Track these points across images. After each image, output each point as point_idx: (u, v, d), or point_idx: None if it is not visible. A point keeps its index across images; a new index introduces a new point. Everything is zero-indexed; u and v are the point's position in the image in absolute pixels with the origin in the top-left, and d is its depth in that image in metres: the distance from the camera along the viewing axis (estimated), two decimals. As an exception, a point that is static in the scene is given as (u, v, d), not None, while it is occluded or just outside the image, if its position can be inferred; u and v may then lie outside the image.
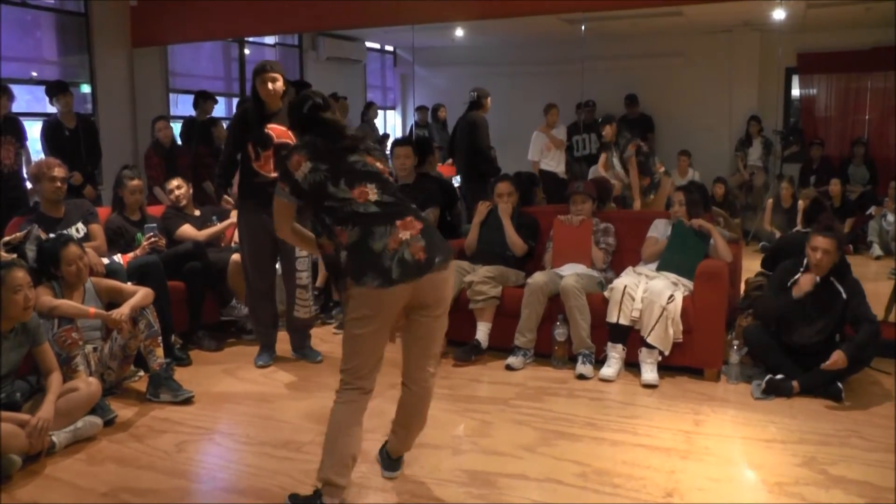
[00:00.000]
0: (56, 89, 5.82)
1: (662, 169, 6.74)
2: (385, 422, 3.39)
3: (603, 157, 8.20)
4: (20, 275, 3.19)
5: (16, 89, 5.84)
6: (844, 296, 3.88)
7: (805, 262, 3.97)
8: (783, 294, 3.97)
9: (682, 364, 4.17)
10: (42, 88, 6.31)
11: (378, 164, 2.74)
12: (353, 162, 2.69)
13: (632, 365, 4.22)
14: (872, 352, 3.88)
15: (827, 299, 3.90)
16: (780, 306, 3.94)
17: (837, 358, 3.68)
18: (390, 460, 3.00)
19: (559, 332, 4.31)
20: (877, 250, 7.15)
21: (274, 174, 4.19)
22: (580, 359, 4.23)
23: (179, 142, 6.91)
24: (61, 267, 3.74)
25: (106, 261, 4.26)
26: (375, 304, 2.55)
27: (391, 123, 10.41)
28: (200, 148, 6.55)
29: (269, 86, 4.13)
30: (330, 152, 2.70)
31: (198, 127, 6.92)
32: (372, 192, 2.62)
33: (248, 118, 4.24)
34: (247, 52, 8.74)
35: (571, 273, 4.40)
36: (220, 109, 7.97)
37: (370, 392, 2.69)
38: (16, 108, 5.87)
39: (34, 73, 6.83)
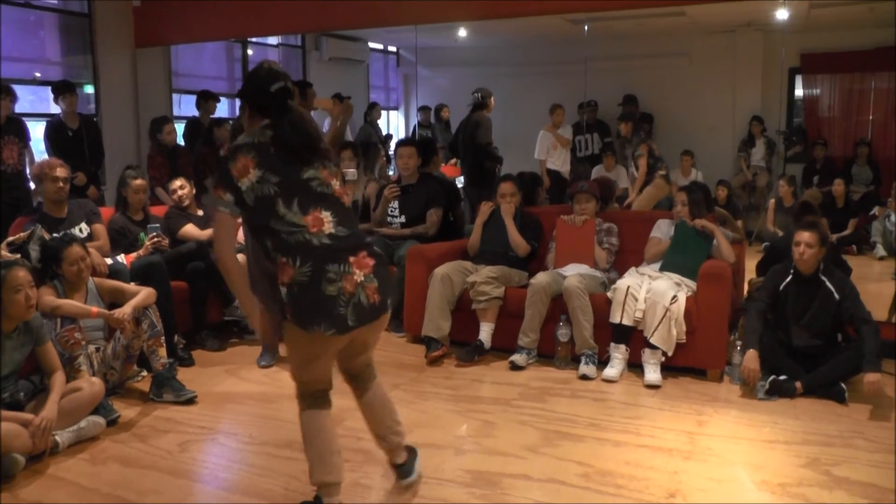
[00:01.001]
0: (62, 88, 5.83)
1: (663, 172, 6.73)
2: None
3: (609, 157, 8.22)
4: (22, 274, 3.19)
5: (19, 90, 5.85)
6: (837, 296, 3.87)
7: (794, 263, 3.95)
8: (758, 313, 3.96)
9: (685, 365, 4.17)
10: (45, 89, 6.32)
11: (334, 183, 2.47)
12: (309, 179, 2.40)
13: (635, 365, 4.22)
14: (881, 350, 3.85)
15: (819, 299, 3.89)
16: (757, 329, 3.91)
17: (874, 380, 3.61)
18: (397, 467, 2.87)
19: (562, 333, 4.31)
20: (880, 251, 7.13)
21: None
22: (583, 359, 4.23)
23: (182, 142, 6.91)
24: (63, 266, 3.74)
25: (109, 261, 4.26)
26: (324, 346, 2.44)
27: (394, 124, 10.42)
28: (203, 148, 6.55)
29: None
30: (282, 161, 2.37)
31: (201, 127, 6.92)
32: (327, 222, 2.38)
33: None
34: (250, 52, 8.75)
35: (574, 273, 4.39)
36: (222, 109, 7.98)
37: (329, 389, 2.65)
38: (19, 108, 5.88)
39: (37, 74, 6.84)
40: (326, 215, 2.39)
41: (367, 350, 2.70)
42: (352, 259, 2.36)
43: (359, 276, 2.36)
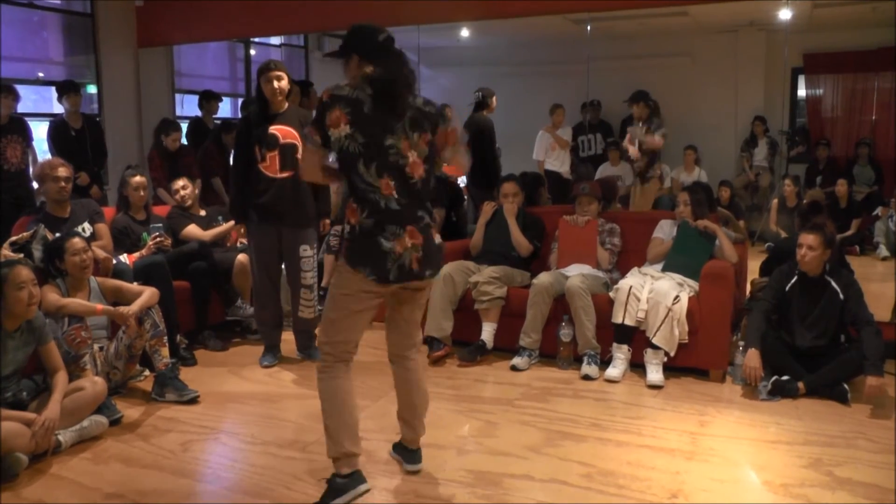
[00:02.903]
0: (66, 88, 5.84)
1: (659, 173, 6.70)
2: (390, 423, 3.40)
3: (614, 152, 8.20)
4: (24, 272, 3.20)
5: (22, 90, 5.86)
6: (842, 296, 3.86)
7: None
8: (762, 313, 3.96)
9: (687, 365, 4.17)
10: (48, 89, 6.33)
11: (410, 154, 2.63)
12: (388, 147, 2.59)
13: (637, 366, 4.22)
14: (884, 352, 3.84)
15: (825, 300, 3.89)
16: (760, 328, 3.91)
17: (876, 384, 3.61)
18: (408, 452, 3.01)
19: (564, 333, 4.31)
20: (883, 251, 7.12)
21: (281, 175, 4.20)
22: (585, 359, 4.22)
23: (185, 141, 6.92)
24: (66, 258, 3.74)
25: (112, 261, 4.27)
26: (361, 296, 2.65)
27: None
28: (211, 145, 6.56)
29: (275, 84, 4.13)
30: (372, 122, 2.58)
31: (204, 127, 6.93)
32: (393, 189, 2.60)
33: (253, 120, 4.25)
34: (252, 52, 8.75)
35: (577, 273, 4.39)
36: (225, 109, 7.98)
37: (352, 361, 2.79)
38: (22, 108, 5.89)
39: (40, 74, 6.85)
40: (392, 184, 2.59)
41: (409, 324, 2.89)
42: (409, 228, 2.61)
43: (409, 241, 2.61)
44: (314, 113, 2.64)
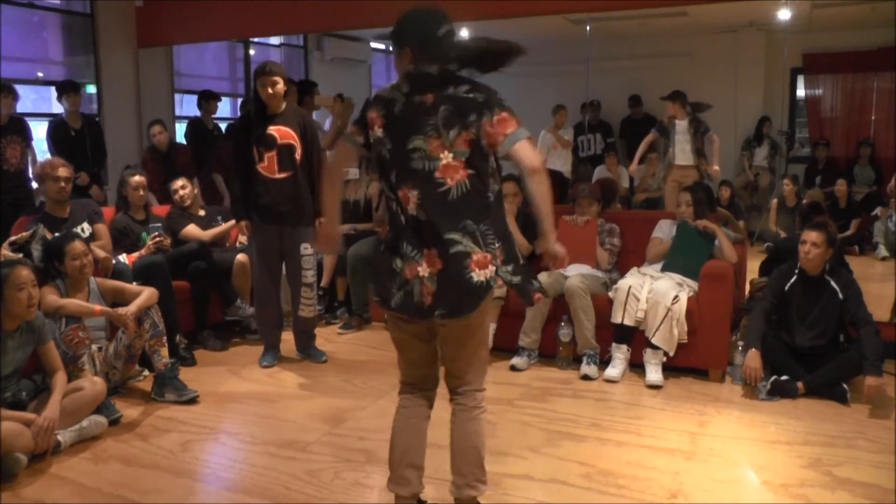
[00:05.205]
0: (66, 88, 5.83)
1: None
2: (389, 423, 3.37)
3: (612, 157, 8.19)
4: (24, 273, 3.20)
5: (22, 90, 5.86)
6: (841, 296, 3.86)
7: (799, 263, 3.95)
8: (762, 313, 3.95)
9: (686, 365, 4.17)
10: (48, 89, 6.32)
11: (443, 157, 2.19)
12: (411, 150, 2.20)
13: (636, 366, 4.22)
14: (883, 352, 3.85)
15: (824, 299, 3.89)
16: (760, 328, 3.90)
17: (875, 384, 3.61)
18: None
19: (564, 333, 4.31)
20: (882, 251, 7.12)
21: (279, 175, 4.20)
22: (585, 359, 4.22)
23: (185, 141, 6.92)
24: (65, 262, 3.74)
25: (111, 261, 4.27)
26: (395, 322, 2.39)
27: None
28: (223, 142, 6.56)
29: (270, 89, 4.14)
30: (400, 124, 2.21)
31: (203, 127, 6.93)
32: (413, 201, 2.22)
33: (250, 121, 4.25)
34: (251, 52, 8.75)
35: (576, 274, 4.39)
36: (224, 109, 7.98)
37: (427, 397, 2.50)
38: (21, 108, 5.89)
39: (40, 74, 6.84)
40: (413, 194, 2.21)
41: (450, 361, 2.44)
42: (425, 251, 2.21)
43: (423, 269, 2.21)
44: (349, 114, 2.55)
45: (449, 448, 2.47)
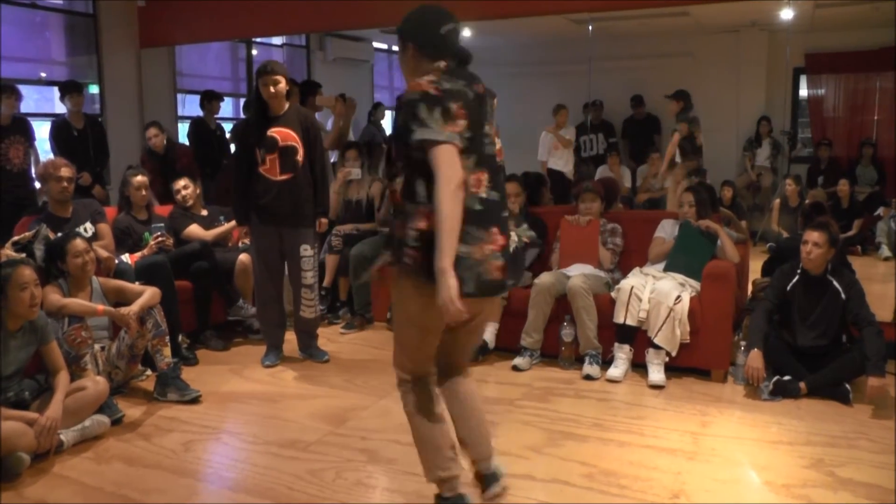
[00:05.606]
0: (69, 88, 5.85)
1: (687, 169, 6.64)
2: (393, 422, 3.41)
3: (614, 157, 8.18)
4: (27, 272, 3.20)
5: (24, 90, 5.87)
6: (844, 296, 3.86)
7: (801, 263, 3.94)
8: (764, 313, 3.95)
9: (689, 365, 4.17)
10: (50, 89, 6.33)
11: (497, 141, 2.36)
12: (484, 136, 2.30)
13: (639, 366, 4.21)
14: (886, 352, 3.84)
15: (826, 299, 3.88)
16: (762, 328, 3.90)
17: (877, 385, 3.60)
18: (479, 479, 2.59)
19: (566, 333, 4.31)
20: (885, 251, 7.12)
21: (280, 177, 4.20)
22: (587, 359, 4.22)
23: (188, 141, 6.93)
24: (67, 260, 3.75)
25: (114, 260, 4.27)
26: (438, 312, 2.17)
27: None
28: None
29: (271, 88, 4.13)
30: (474, 110, 2.26)
31: (205, 127, 6.94)
32: (484, 184, 2.27)
33: (251, 123, 4.25)
34: (254, 52, 8.76)
35: (578, 273, 4.39)
36: (226, 109, 7.99)
37: (434, 377, 2.52)
38: (24, 108, 5.90)
39: (43, 74, 6.86)
40: (485, 177, 2.29)
41: (473, 335, 2.57)
42: (492, 229, 2.26)
43: (488, 247, 2.23)
44: (407, 110, 2.22)
45: (462, 430, 2.55)
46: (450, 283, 2.10)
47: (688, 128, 6.52)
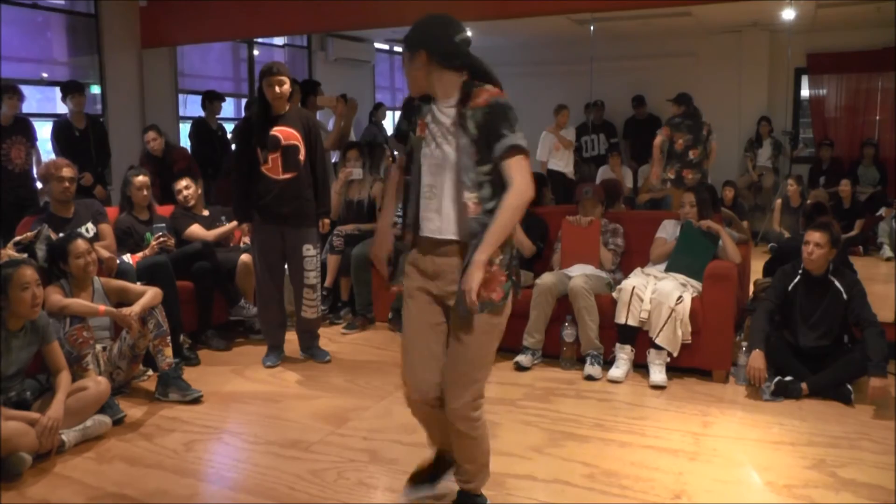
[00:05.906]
0: (71, 88, 5.85)
1: (671, 176, 6.62)
2: (394, 423, 3.42)
3: (615, 157, 8.17)
4: (29, 272, 3.21)
5: (26, 90, 5.87)
6: (845, 296, 3.85)
7: (803, 264, 3.94)
8: (766, 313, 3.95)
9: (690, 365, 4.16)
10: (52, 89, 6.33)
11: None
12: None
13: (640, 366, 4.21)
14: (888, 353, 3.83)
15: (828, 300, 3.88)
16: (764, 329, 3.89)
17: (879, 385, 3.61)
18: (460, 497, 2.63)
19: (567, 333, 4.31)
20: (887, 251, 7.11)
21: (283, 176, 4.20)
22: (588, 360, 4.22)
23: (189, 141, 6.93)
24: (69, 261, 3.75)
25: (116, 261, 4.28)
26: None
27: (399, 124, 10.39)
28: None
29: (276, 89, 4.14)
30: None
31: (207, 127, 6.94)
32: None
33: (254, 123, 4.25)
34: (256, 52, 8.76)
35: (580, 274, 4.39)
36: (228, 110, 7.99)
37: None
38: (26, 108, 5.90)
39: (44, 74, 6.86)
40: None
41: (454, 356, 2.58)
42: None
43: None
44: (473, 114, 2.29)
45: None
46: (480, 275, 2.25)
47: (669, 132, 6.51)
